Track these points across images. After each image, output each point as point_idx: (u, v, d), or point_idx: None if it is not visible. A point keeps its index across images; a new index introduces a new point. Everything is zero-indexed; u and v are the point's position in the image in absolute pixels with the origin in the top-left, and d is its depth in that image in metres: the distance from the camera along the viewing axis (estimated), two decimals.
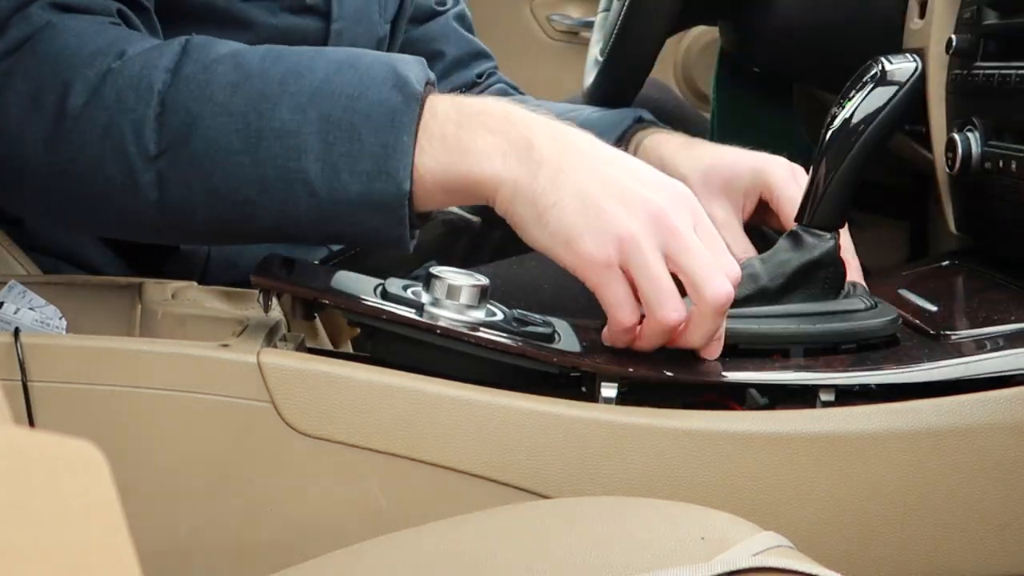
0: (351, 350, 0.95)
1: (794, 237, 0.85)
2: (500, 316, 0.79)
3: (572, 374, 0.79)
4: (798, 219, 0.86)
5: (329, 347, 0.92)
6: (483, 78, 1.35)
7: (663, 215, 0.74)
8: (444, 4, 1.33)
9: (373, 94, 0.77)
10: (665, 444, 0.73)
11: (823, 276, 0.84)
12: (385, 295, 0.78)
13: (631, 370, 0.77)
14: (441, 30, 1.31)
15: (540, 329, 0.79)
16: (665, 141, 1.10)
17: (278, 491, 0.73)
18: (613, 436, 0.73)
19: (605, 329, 0.78)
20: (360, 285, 0.80)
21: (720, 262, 0.75)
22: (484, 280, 0.78)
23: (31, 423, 0.72)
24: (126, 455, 0.72)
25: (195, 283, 0.88)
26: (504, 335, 0.77)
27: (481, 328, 0.76)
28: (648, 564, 0.56)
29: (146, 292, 0.85)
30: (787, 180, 1.00)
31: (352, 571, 0.64)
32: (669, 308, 0.74)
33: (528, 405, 0.73)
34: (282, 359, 0.73)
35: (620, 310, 0.75)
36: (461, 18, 1.36)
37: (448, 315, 0.77)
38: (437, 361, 0.78)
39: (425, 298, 0.77)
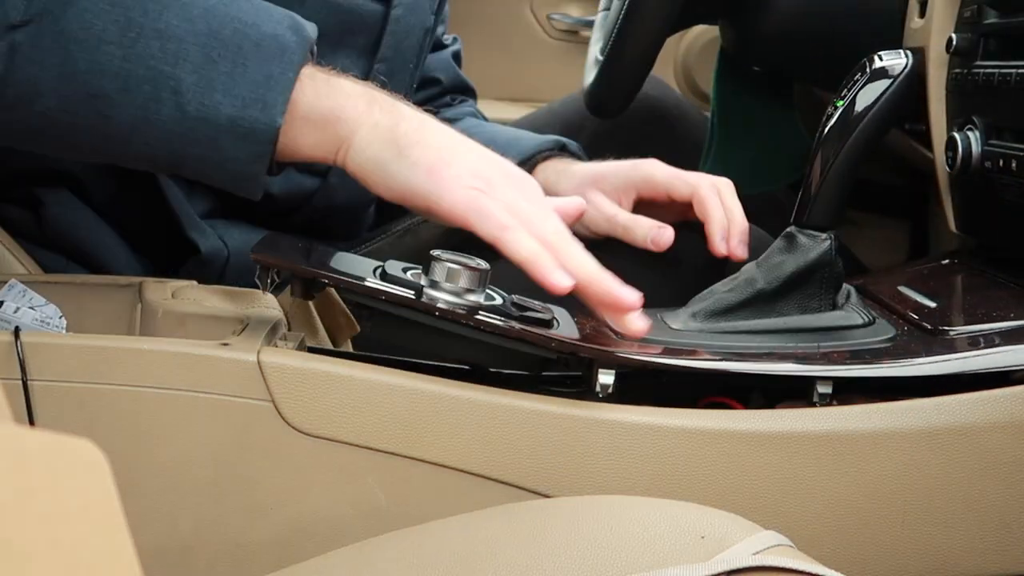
0: (351, 349, 0.95)
1: (789, 239, 0.85)
2: (499, 301, 0.79)
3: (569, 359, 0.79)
4: (794, 220, 0.86)
5: (329, 346, 0.92)
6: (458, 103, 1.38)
7: (517, 173, 0.81)
8: (446, 42, 1.38)
9: (267, 27, 0.78)
10: (665, 443, 0.73)
11: (819, 278, 0.84)
12: (384, 276, 0.78)
13: (629, 356, 0.77)
14: (440, 63, 1.34)
15: (539, 315, 0.79)
16: (564, 165, 1.13)
17: (278, 490, 0.73)
18: (613, 435, 0.73)
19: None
20: (360, 266, 0.81)
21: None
22: (484, 264, 0.79)
23: (31, 422, 0.72)
24: (126, 454, 0.72)
25: (195, 282, 0.88)
26: (503, 319, 0.77)
27: (480, 312, 0.77)
28: (648, 563, 0.56)
29: (146, 291, 0.85)
30: (667, 173, 1.06)
31: (352, 570, 0.64)
32: (547, 219, 0.78)
33: (528, 404, 0.73)
34: (282, 358, 0.73)
35: (498, 216, 0.77)
36: (457, 57, 1.40)
37: (447, 298, 0.77)
38: (435, 344, 0.78)
39: (424, 281, 0.77)
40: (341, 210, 1.09)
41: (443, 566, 0.60)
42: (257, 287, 0.80)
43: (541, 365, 0.80)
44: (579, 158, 1.15)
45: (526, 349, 0.77)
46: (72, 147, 0.82)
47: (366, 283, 0.77)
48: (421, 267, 0.79)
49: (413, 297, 0.76)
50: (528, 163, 1.11)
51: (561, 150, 1.15)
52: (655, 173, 1.06)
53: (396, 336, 0.78)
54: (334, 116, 0.79)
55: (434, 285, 0.77)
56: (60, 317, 0.81)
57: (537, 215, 0.78)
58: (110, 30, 0.74)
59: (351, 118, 0.79)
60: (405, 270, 0.80)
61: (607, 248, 1.07)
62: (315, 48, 0.82)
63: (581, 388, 0.82)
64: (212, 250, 1.00)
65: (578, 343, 0.77)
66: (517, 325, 0.76)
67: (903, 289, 0.94)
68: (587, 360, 0.78)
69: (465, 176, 0.78)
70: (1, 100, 0.75)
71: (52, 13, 0.74)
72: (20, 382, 0.71)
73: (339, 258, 0.82)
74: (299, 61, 0.78)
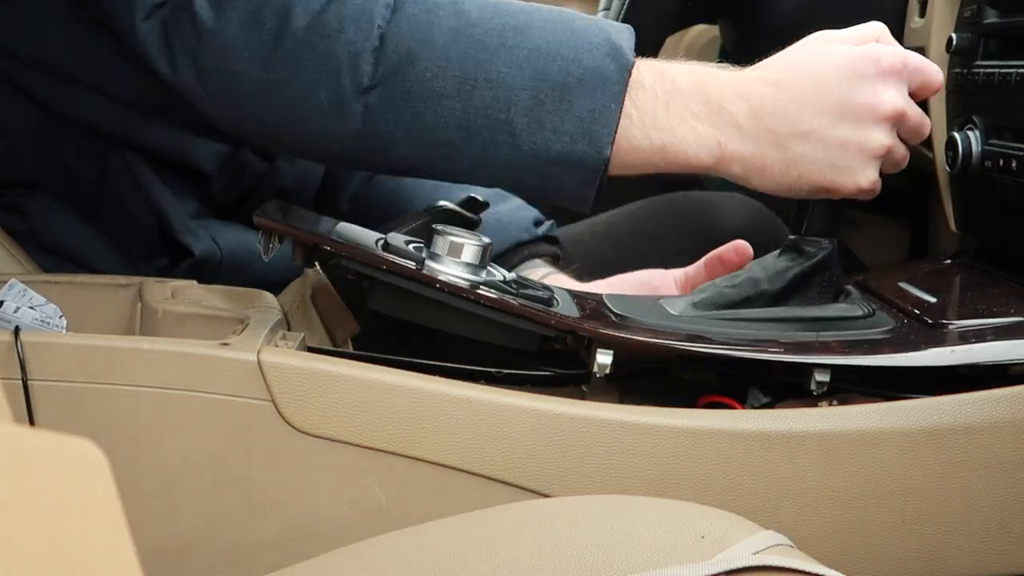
0: (351, 349, 0.95)
1: (792, 247, 0.85)
2: (500, 277, 0.79)
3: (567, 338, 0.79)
4: (794, 231, 0.86)
5: (329, 346, 0.92)
6: None
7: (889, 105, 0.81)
8: None
9: (588, 59, 0.80)
10: (665, 443, 0.73)
11: (820, 280, 0.84)
12: (387, 247, 0.78)
13: (627, 336, 0.77)
14: None
15: (539, 293, 0.79)
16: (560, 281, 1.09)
17: (278, 490, 0.73)
18: (613, 435, 0.73)
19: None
20: (363, 237, 0.81)
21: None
22: (487, 240, 0.79)
23: (31, 421, 0.72)
24: (126, 453, 0.72)
25: (195, 282, 0.87)
26: (503, 295, 0.77)
27: (481, 286, 0.77)
28: (648, 563, 0.56)
29: (146, 291, 0.85)
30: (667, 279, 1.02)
31: (352, 569, 0.64)
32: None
33: (528, 404, 0.73)
34: (282, 358, 0.73)
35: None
36: None
37: (448, 271, 0.77)
38: (435, 317, 0.78)
39: (427, 254, 0.78)
40: (290, 194, 1.09)
41: (443, 566, 0.60)
42: (255, 287, 0.80)
43: (540, 343, 0.80)
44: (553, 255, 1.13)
45: (525, 326, 0.78)
46: (421, 176, 0.91)
47: (368, 252, 0.77)
48: (424, 241, 0.80)
49: (414, 267, 0.76)
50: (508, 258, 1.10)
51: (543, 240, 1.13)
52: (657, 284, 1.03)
53: (396, 308, 0.78)
54: (666, 150, 0.81)
55: (436, 258, 0.77)
56: (60, 317, 0.81)
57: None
58: (449, 86, 0.80)
59: (680, 151, 0.81)
60: (408, 242, 0.80)
61: (643, 218, 1.07)
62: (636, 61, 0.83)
63: (579, 370, 0.82)
64: (206, 252, 1.00)
65: (577, 322, 0.77)
66: (517, 301, 0.76)
67: (903, 285, 0.94)
68: (586, 339, 0.78)
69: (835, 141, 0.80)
70: (362, 152, 0.84)
71: (396, 75, 0.80)
72: (20, 382, 0.71)
73: (343, 228, 0.82)
74: (621, 91, 0.80)
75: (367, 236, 0.81)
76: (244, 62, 0.81)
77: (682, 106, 0.81)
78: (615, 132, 0.79)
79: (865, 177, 0.81)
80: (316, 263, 0.86)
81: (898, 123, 0.81)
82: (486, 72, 0.80)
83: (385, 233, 0.82)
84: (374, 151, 0.83)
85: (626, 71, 0.80)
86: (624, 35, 0.82)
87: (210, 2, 0.81)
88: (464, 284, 0.76)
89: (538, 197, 0.91)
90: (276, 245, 0.80)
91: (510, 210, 1.12)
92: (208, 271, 1.00)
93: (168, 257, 1.00)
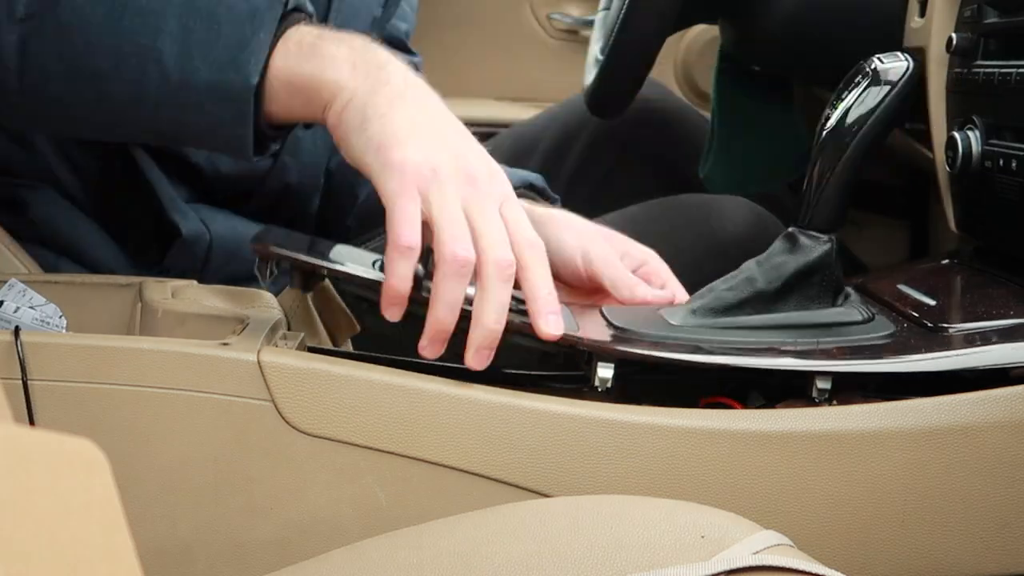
0: (351, 349, 0.95)
1: (790, 239, 0.85)
2: None
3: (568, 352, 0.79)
4: (796, 222, 0.86)
5: (329, 346, 0.92)
6: None
7: (478, 172, 0.76)
8: (412, 50, 1.31)
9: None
10: (665, 443, 0.73)
11: (819, 280, 0.84)
12: (384, 269, 0.78)
13: (628, 350, 0.77)
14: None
15: None
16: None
17: (278, 490, 0.73)
18: (613, 435, 0.73)
19: (385, 266, 0.74)
20: (360, 259, 0.81)
21: (516, 239, 0.75)
22: None
23: (31, 422, 0.72)
24: (126, 454, 0.72)
25: (195, 281, 0.88)
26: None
27: None
28: (648, 563, 0.56)
29: (146, 290, 0.85)
30: (607, 259, 0.94)
31: (352, 569, 0.64)
32: (459, 245, 0.73)
33: (528, 404, 0.73)
34: (282, 358, 0.73)
35: (404, 228, 0.73)
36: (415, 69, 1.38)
37: None
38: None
39: (423, 272, 0.77)
40: (294, 191, 1.09)
41: (443, 566, 0.60)
42: (255, 279, 0.80)
43: (541, 358, 0.80)
44: (549, 198, 1.09)
45: (526, 342, 0.77)
46: (82, 126, 0.89)
47: (365, 275, 0.77)
48: (422, 259, 0.79)
49: (412, 290, 0.76)
50: None
51: (529, 188, 1.09)
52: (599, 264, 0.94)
53: (396, 329, 0.78)
54: (315, 80, 0.80)
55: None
56: (60, 316, 0.81)
57: (461, 234, 0.73)
58: (98, 13, 0.80)
59: (331, 81, 0.79)
60: None
61: (643, 221, 1.05)
62: (312, 13, 0.84)
63: (580, 385, 0.82)
64: (193, 233, 1.00)
65: (577, 337, 0.77)
66: (517, 318, 0.76)
67: (903, 287, 0.94)
68: (586, 354, 0.78)
69: (413, 163, 0.75)
70: (20, 87, 0.83)
71: (50, 4, 0.81)
72: (20, 382, 0.71)
73: (339, 250, 0.82)
74: (271, 22, 0.80)
75: (365, 258, 0.81)
76: None
77: (336, 38, 0.81)
78: (265, 62, 0.79)
79: (407, 164, 0.75)
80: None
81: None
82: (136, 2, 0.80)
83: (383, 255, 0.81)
84: (31, 86, 0.82)
85: (278, 4, 0.81)
86: None
87: None
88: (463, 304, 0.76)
89: (202, 143, 0.89)
90: (274, 270, 0.80)
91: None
92: (198, 254, 1.00)
93: (160, 238, 1.00)
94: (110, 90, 0.82)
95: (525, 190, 1.08)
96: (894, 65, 0.85)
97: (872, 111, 0.84)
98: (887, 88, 0.84)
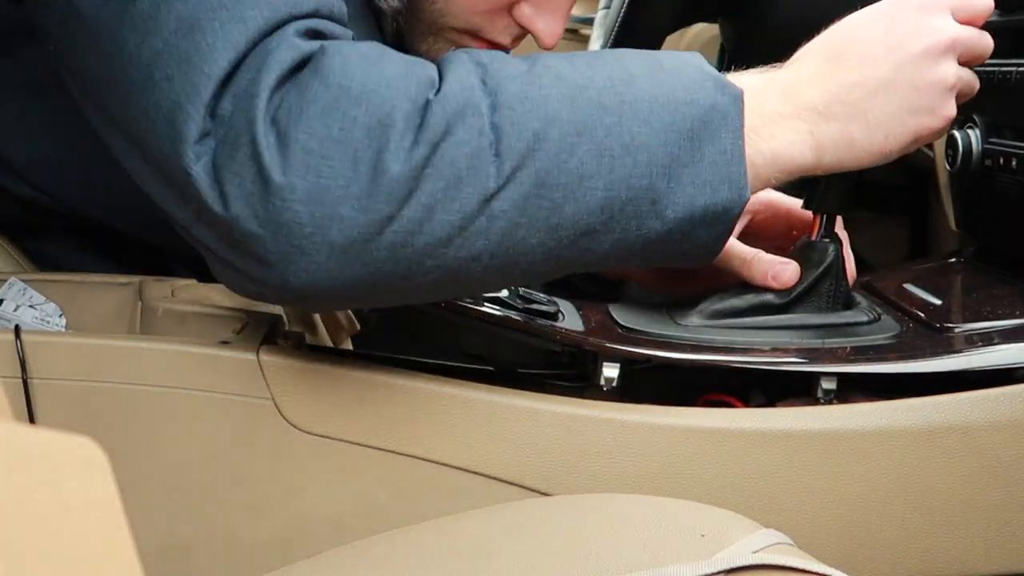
0: (351, 348, 0.95)
1: (800, 253, 0.84)
2: (504, 293, 0.79)
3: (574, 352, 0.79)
4: (805, 205, 0.85)
5: (329, 345, 0.92)
6: None
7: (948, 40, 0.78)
8: None
9: (702, 98, 0.71)
10: (666, 441, 0.73)
11: (827, 288, 0.83)
12: None
13: (633, 350, 0.77)
14: None
15: (544, 307, 0.79)
16: None
17: (278, 488, 0.73)
18: (614, 434, 0.73)
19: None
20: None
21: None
22: None
23: (32, 420, 0.72)
24: (127, 452, 0.72)
25: (195, 280, 0.87)
26: (508, 311, 0.77)
27: (485, 303, 0.77)
28: (649, 561, 0.56)
29: (146, 289, 0.85)
30: (788, 198, 0.96)
31: (352, 568, 0.64)
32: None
33: (529, 403, 0.73)
34: (282, 356, 0.73)
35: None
36: None
37: None
38: (439, 335, 0.78)
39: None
40: None
41: (443, 564, 0.60)
42: None
43: (546, 358, 0.80)
44: None
45: (531, 341, 0.77)
46: (520, 283, 0.78)
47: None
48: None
49: None
50: None
51: None
52: (776, 197, 0.95)
53: (401, 326, 0.78)
54: (776, 160, 0.75)
55: None
56: (60, 315, 0.81)
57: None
58: (587, 163, 0.67)
59: (786, 156, 0.75)
60: None
61: None
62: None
63: (585, 384, 0.82)
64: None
65: (583, 336, 0.77)
66: (522, 317, 0.76)
67: (908, 287, 0.94)
68: (592, 353, 0.78)
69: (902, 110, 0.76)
70: (484, 273, 0.68)
71: (525, 166, 0.66)
72: (20, 380, 0.71)
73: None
74: (739, 124, 0.71)
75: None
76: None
77: (771, 109, 0.75)
78: (747, 167, 0.71)
79: (946, 112, 0.77)
80: None
81: (956, 49, 0.78)
82: (619, 136, 0.68)
83: None
84: (498, 269, 0.68)
85: (739, 101, 0.72)
86: (705, 62, 0.74)
87: (277, 135, 0.62)
88: (467, 301, 0.76)
89: (663, 262, 0.75)
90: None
91: None
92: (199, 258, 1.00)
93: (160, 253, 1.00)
94: (594, 247, 0.70)
95: None
96: None
97: None
98: None
